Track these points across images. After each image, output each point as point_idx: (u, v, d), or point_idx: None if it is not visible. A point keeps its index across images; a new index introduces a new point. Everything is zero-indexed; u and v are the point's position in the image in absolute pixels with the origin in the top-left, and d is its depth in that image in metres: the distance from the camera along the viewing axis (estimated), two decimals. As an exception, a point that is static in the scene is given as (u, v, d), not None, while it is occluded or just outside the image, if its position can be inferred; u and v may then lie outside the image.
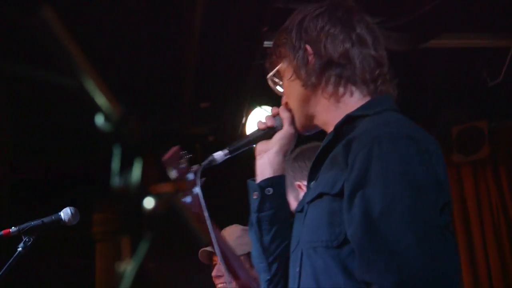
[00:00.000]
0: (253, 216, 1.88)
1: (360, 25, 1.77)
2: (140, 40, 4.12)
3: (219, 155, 1.85)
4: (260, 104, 4.79)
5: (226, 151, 1.86)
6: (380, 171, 1.46)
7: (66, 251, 5.37)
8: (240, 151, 1.90)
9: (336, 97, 1.74)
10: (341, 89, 1.74)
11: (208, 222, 1.76)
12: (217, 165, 1.86)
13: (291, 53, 1.78)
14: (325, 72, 1.73)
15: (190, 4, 3.63)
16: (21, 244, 2.34)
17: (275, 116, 1.89)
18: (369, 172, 1.47)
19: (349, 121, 1.69)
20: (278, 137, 1.89)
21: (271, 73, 1.88)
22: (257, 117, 4.56)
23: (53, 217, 2.40)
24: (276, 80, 1.89)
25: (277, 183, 1.88)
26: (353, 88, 1.74)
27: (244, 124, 4.86)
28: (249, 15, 3.61)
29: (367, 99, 1.73)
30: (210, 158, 1.85)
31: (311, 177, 1.76)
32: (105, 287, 5.38)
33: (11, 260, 2.32)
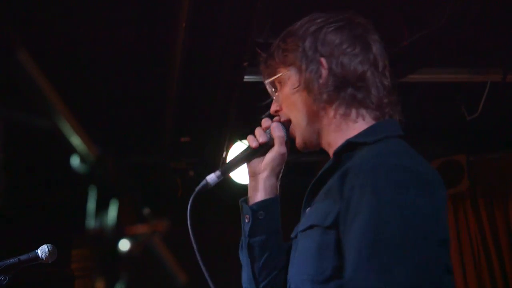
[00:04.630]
0: (244, 241, 1.80)
1: (376, 45, 1.71)
2: (120, 75, 4.12)
3: (212, 178, 1.79)
4: (241, 138, 4.79)
5: (218, 173, 1.80)
6: (374, 204, 1.42)
7: (43, 288, 5.26)
8: (232, 171, 1.84)
9: (343, 118, 1.68)
10: (349, 111, 1.68)
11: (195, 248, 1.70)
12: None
13: (303, 62, 1.68)
14: (339, 91, 1.66)
15: (171, 38, 3.64)
16: (-3, 283, 2.28)
17: (266, 130, 1.81)
18: (363, 205, 1.43)
19: (349, 147, 1.63)
20: (270, 158, 1.81)
21: (271, 78, 1.77)
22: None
23: (30, 255, 2.33)
24: (273, 85, 1.79)
25: (270, 206, 1.80)
26: (361, 111, 1.68)
27: (225, 159, 4.85)
28: (229, 50, 3.62)
29: (372, 123, 1.68)
30: (203, 182, 1.79)
31: (307, 203, 1.70)
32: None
33: (-15, 299, 2.26)
